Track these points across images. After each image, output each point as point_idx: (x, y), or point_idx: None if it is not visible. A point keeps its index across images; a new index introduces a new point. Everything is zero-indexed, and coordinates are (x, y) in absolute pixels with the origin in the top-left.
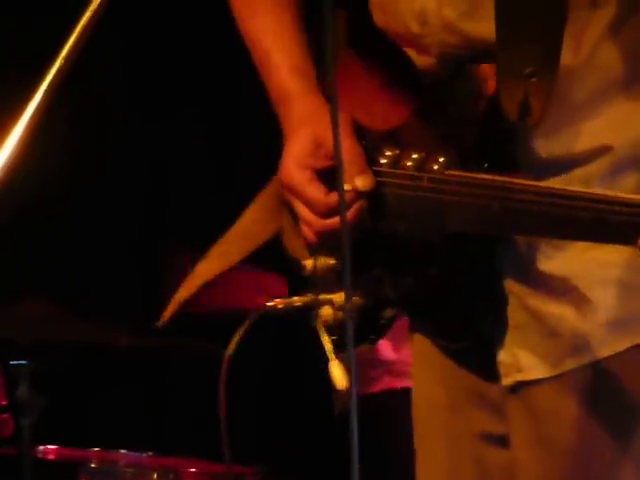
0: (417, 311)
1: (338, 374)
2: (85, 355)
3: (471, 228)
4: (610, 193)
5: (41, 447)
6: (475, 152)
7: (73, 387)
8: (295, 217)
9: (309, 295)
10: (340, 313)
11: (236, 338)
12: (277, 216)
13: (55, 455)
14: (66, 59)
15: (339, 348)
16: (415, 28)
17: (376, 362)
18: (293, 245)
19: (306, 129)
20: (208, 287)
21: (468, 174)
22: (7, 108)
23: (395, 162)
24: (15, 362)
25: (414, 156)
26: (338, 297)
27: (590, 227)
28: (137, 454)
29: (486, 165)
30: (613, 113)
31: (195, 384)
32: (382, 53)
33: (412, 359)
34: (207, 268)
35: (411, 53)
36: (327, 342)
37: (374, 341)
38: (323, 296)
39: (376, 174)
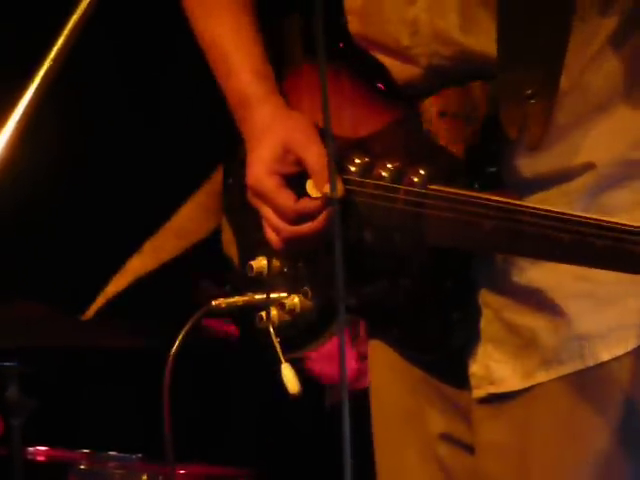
0: (383, 321)
1: (291, 377)
2: (75, 356)
3: (453, 244)
4: (632, 223)
5: (31, 448)
6: (464, 169)
7: (63, 388)
8: (238, 218)
9: (250, 295)
10: (286, 315)
11: (180, 338)
12: (214, 215)
13: (45, 456)
14: (55, 59)
15: (287, 350)
16: (404, 38)
17: (361, 357)
18: (230, 245)
19: (273, 134)
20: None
21: (459, 191)
22: None
23: (366, 171)
24: (4, 363)
25: (389, 166)
26: (289, 299)
27: (605, 255)
28: (127, 456)
29: (477, 185)
30: (598, 132)
31: (184, 386)
32: (352, 61)
33: (370, 365)
34: (139, 264)
35: (394, 64)
36: (278, 345)
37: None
38: (274, 296)
39: (346, 182)
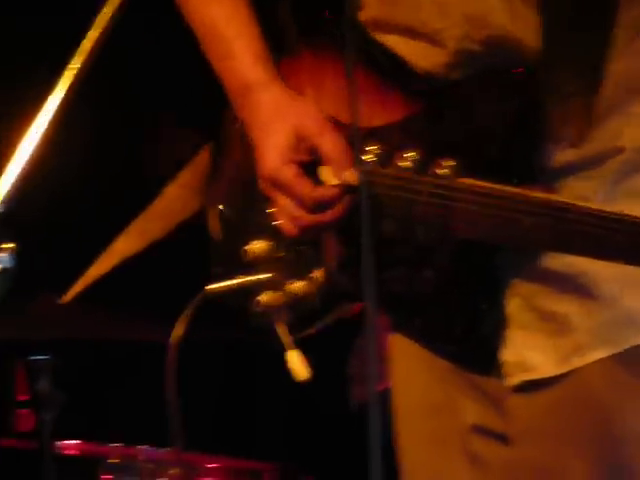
0: (406, 313)
1: (297, 363)
2: (104, 350)
3: (483, 238)
4: None
5: (61, 442)
6: (497, 163)
7: (93, 382)
8: (228, 200)
9: (243, 277)
10: (286, 299)
11: (181, 325)
12: (198, 195)
13: (75, 450)
14: (87, 54)
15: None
16: (435, 20)
17: (384, 358)
18: (217, 227)
19: (283, 122)
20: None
21: (495, 185)
22: (27, 105)
23: (383, 160)
24: (36, 357)
25: (410, 157)
26: (291, 283)
27: None
28: (156, 449)
29: (515, 180)
30: (630, 116)
31: (212, 379)
32: (364, 51)
33: (392, 360)
34: (126, 245)
35: (418, 49)
36: (283, 331)
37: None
38: (275, 280)
39: (364, 171)
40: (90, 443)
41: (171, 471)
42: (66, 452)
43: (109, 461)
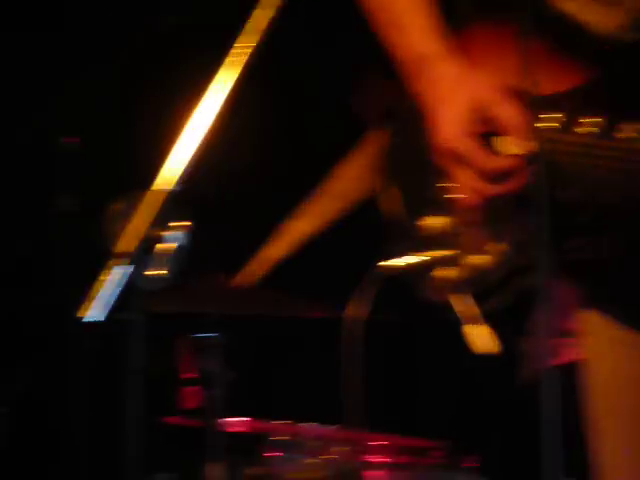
0: (590, 281)
1: (479, 338)
2: (273, 328)
3: None
4: None
5: (228, 419)
6: None
7: (261, 360)
8: (404, 177)
9: (423, 254)
10: (464, 274)
11: (358, 302)
12: (373, 174)
13: (241, 427)
14: (259, 34)
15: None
16: None
17: (562, 331)
18: (393, 204)
19: (462, 94)
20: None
21: None
22: (200, 86)
23: (565, 127)
24: (205, 335)
25: (593, 122)
26: (470, 258)
27: None
28: (322, 426)
29: None
30: None
31: (381, 357)
32: (538, 17)
33: (586, 337)
34: (303, 226)
35: (595, 12)
36: (461, 305)
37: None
38: (452, 255)
39: (546, 139)
40: (256, 420)
41: (336, 448)
42: (233, 429)
43: (274, 438)
